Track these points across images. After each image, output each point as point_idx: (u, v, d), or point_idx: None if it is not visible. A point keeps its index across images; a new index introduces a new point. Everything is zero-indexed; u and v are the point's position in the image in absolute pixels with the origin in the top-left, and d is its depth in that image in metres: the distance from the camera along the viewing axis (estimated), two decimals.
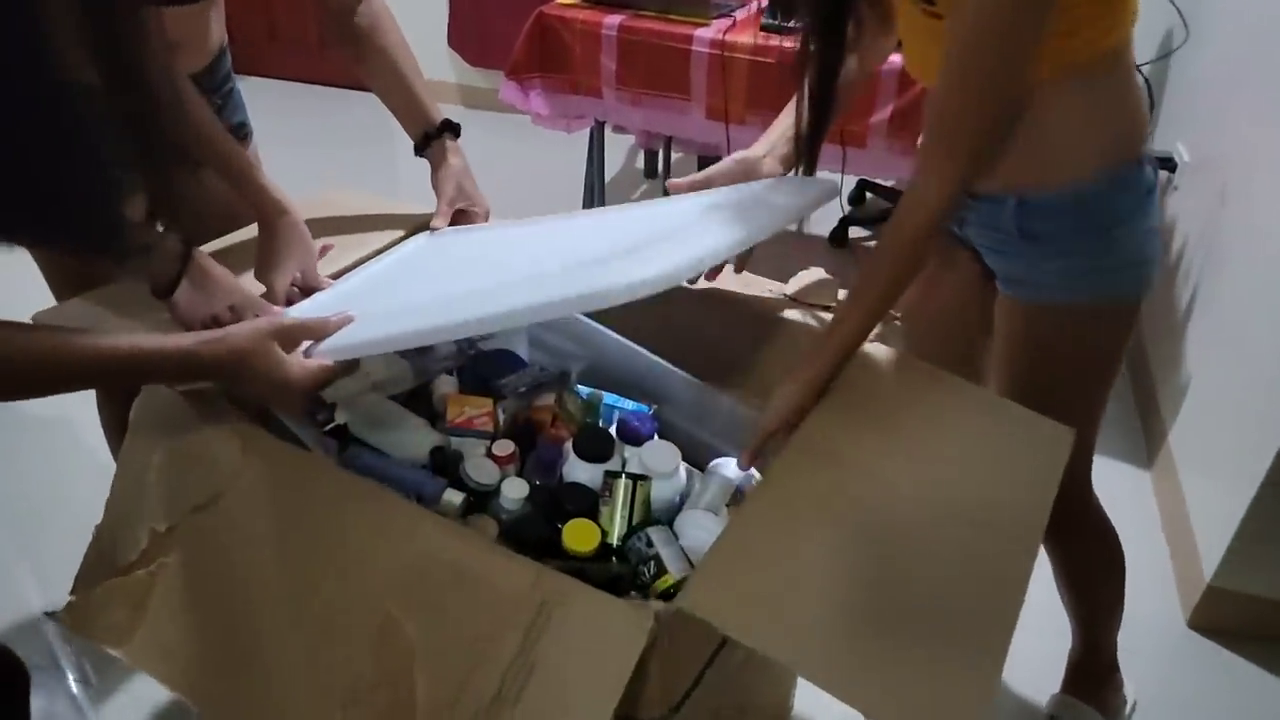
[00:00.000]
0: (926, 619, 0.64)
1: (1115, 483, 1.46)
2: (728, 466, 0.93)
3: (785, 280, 1.12)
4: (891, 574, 0.68)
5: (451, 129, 1.09)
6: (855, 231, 2.77)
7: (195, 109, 0.94)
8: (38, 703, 1.28)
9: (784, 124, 1.05)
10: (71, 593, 0.77)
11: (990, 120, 0.77)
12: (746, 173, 1.02)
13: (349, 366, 0.79)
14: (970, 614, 0.64)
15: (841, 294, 1.09)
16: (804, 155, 1.03)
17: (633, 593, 0.82)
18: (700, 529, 0.86)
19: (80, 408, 1.21)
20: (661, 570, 0.80)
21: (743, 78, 1.92)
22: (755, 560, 0.67)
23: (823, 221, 2.75)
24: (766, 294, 1.07)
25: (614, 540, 0.85)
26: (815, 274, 1.14)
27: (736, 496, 0.89)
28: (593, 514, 0.87)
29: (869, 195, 2.94)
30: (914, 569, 0.68)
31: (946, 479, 0.77)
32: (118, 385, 0.71)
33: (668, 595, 0.79)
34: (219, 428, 0.75)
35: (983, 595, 0.66)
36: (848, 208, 2.83)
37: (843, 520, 0.72)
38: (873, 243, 2.76)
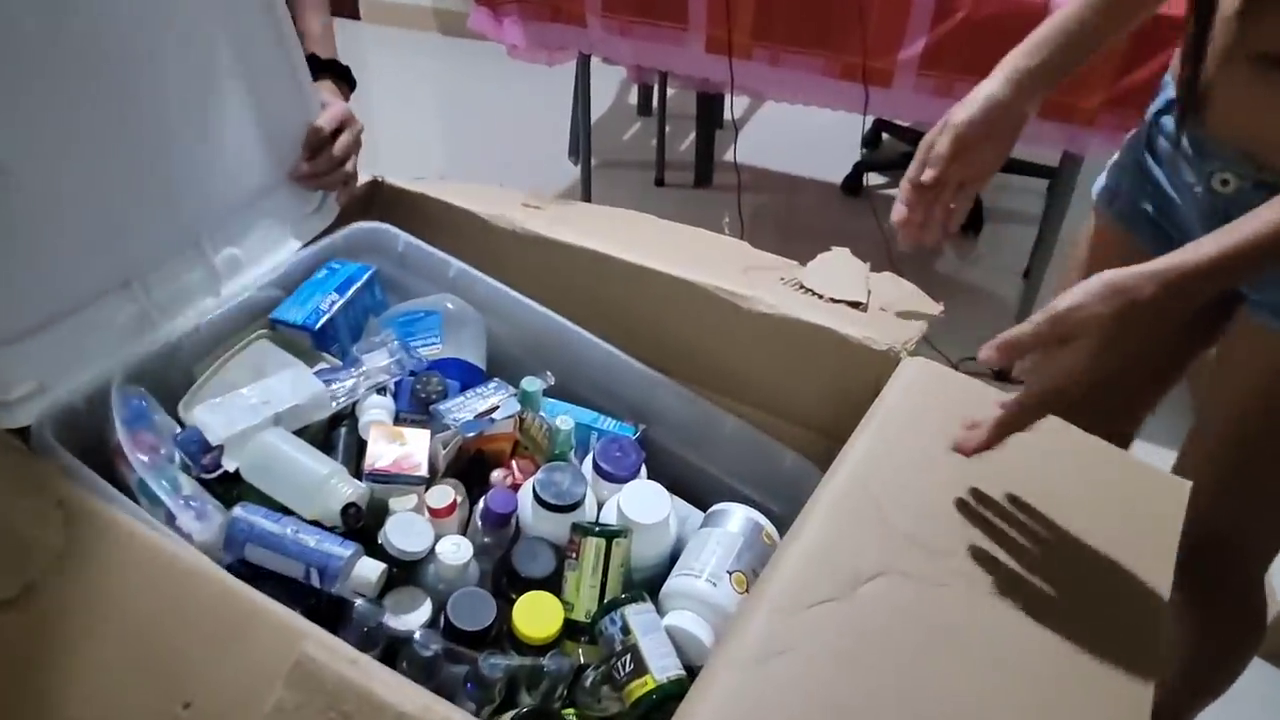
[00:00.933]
0: None
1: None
2: (731, 516, 0.74)
3: (793, 250, 0.91)
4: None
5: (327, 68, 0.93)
6: (872, 178, 2.54)
7: None
8: None
9: (1028, 53, 0.80)
10: None
11: None
12: (1004, 119, 0.79)
13: None
14: None
15: (876, 280, 0.89)
16: (1187, 99, 0.77)
17: (605, 688, 0.65)
18: (690, 604, 0.68)
19: None
20: (640, 669, 0.62)
21: (749, 3, 1.68)
22: (770, 698, 0.49)
23: (834, 167, 2.51)
24: (779, 284, 0.87)
25: (580, 616, 0.68)
26: (838, 257, 0.93)
27: (742, 558, 0.71)
28: (556, 581, 0.70)
29: (885, 137, 2.69)
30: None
31: (1046, 564, 0.60)
32: None
33: (648, 704, 0.61)
34: (36, 494, 0.57)
35: None
36: (863, 151, 2.59)
37: (899, 631, 0.54)
38: (893, 191, 2.53)
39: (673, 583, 0.70)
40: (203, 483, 0.68)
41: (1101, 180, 0.95)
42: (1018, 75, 0.80)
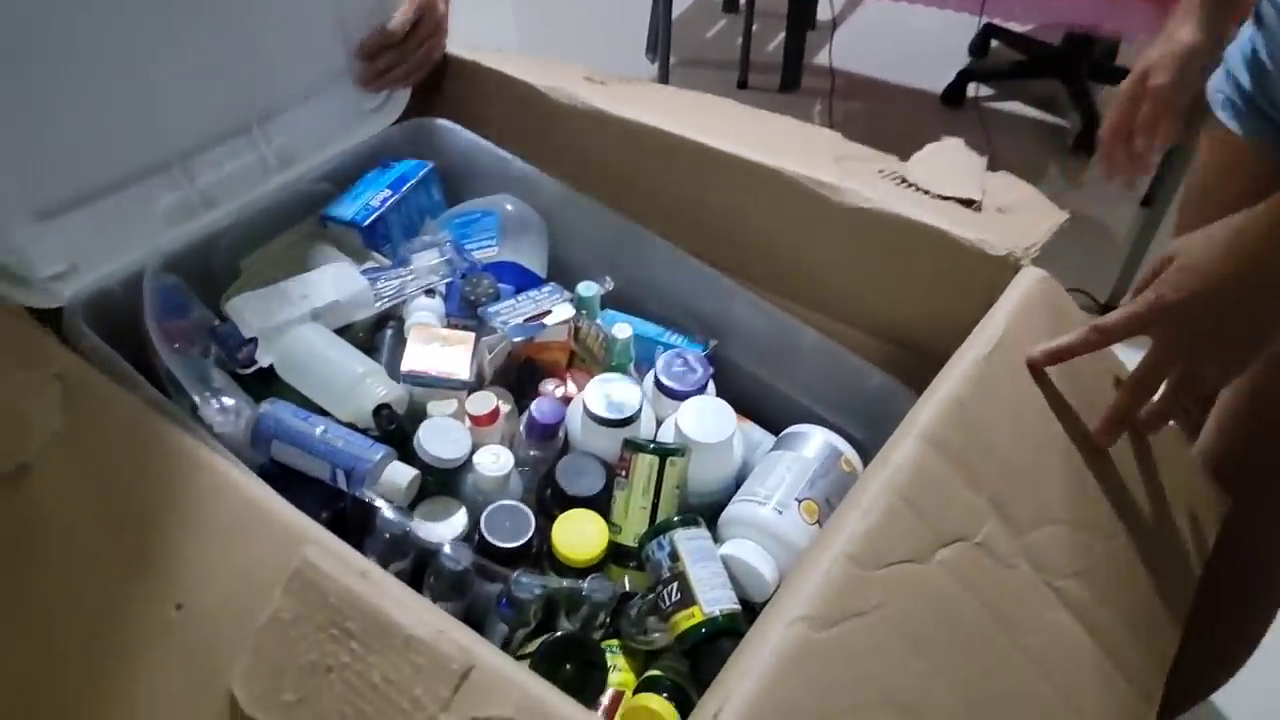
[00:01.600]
0: None
1: None
2: (807, 439, 0.66)
3: (890, 147, 0.80)
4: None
5: None
6: (976, 89, 2.28)
7: None
8: None
9: None
10: None
11: None
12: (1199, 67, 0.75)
13: None
14: None
15: (990, 180, 0.77)
16: None
17: (651, 618, 0.59)
18: (751, 533, 0.61)
19: None
20: (687, 599, 0.56)
21: None
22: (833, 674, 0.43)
23: (936, 73, 2.29)
24: (877, 176, 0.76)
25: (628, 540, 0.62)
26: (948, 148, 0.81)
27: (815, 484, 0.63)
28: (605, 501, 0.64)
29: (994, 44, 2.43)
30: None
31: (1100, 563, 0.56)
32: None
33: (695, 637, 0.55)
34: (35, 367, 0.54)
35: None
36: (969, 59, 2.35)
37: (963, 616, 0.49)
38: (1002, 103, 2.29)
39: (733, 508, 0.63)
40: (237, 378, 0.65)
41: (1216, 76, 0.80)
42: (1216, 19, 0.73)
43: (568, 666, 0.56)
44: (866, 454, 0.70)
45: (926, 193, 0.74)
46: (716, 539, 0.62)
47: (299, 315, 0.66)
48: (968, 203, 0.73)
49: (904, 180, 0.75)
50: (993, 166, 0.79)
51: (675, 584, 0.57)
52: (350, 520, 0.60)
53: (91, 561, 0.49)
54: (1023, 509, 0.55)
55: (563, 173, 0.82)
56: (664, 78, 2.11)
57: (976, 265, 0.68)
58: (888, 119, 2.22)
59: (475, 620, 0.61)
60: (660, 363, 0.72)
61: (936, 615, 0.49)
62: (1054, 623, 0.52)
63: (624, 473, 0.63)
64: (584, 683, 0.56)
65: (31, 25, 0.57)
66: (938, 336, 0.70)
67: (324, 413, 0.64)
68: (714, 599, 0.56)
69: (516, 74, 0.84)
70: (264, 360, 0.65)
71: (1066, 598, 0.53)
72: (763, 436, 0.74)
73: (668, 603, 0.57)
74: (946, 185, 0.74)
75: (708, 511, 0.65)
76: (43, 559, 0.51)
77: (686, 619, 0.55)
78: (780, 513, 0.61)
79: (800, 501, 0.62)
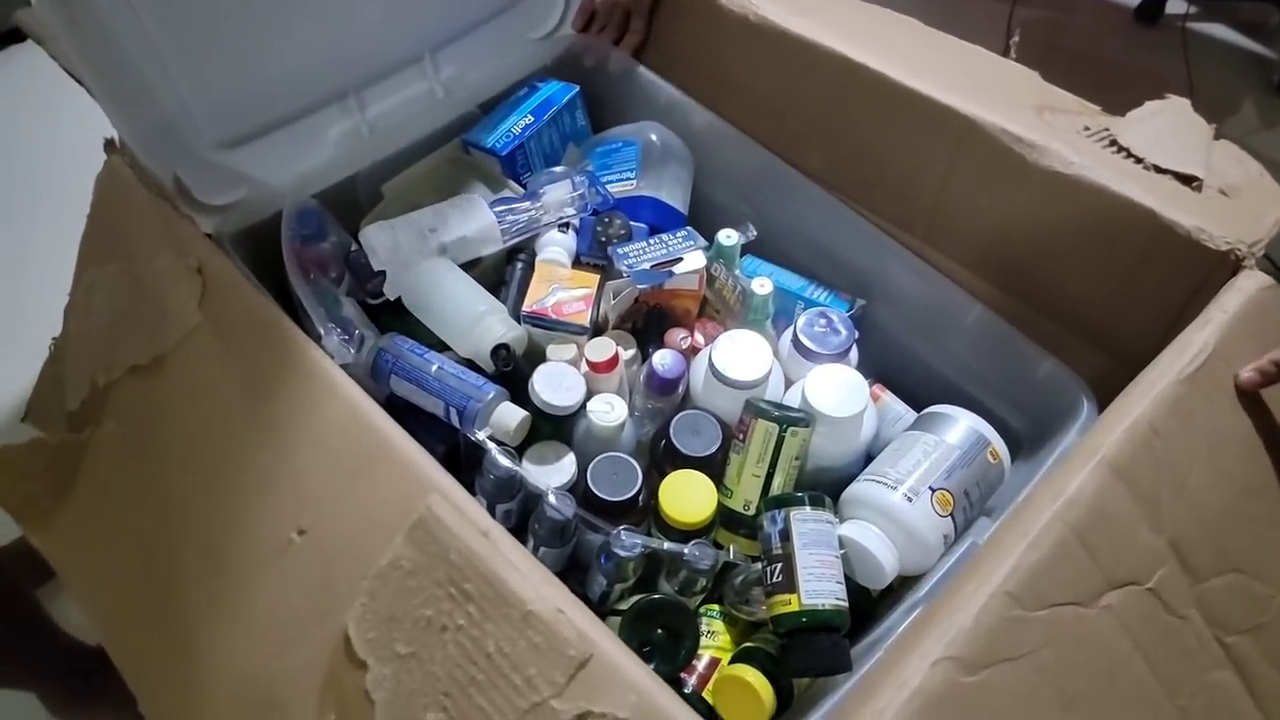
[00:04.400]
0: None
1: None
2: (951, 423, 0.63)
3: (1067, 66, 0.72)
4: None
5: None
6: (1176, 6, 1.99)
7: None
8: None
9: None
10: (24, 418, 0.67)
11: None
12: None
13: None
14: None
15: (1217, 151, 0.68)
16: None
17: (756, 590, 0.60)
18: (876, 518, 0.60)
19: None
20: (789, 584, 0.56)
21: None
22: None
23: None
24: (1082, 135, 0.69)
25: (737, 505, 0.63)
26: (1171, 110, 0.72)
27: (953, 474, 0.60)
28: (718, 461, 0.64)
29: None
30: None
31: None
32: None
33: (792, 624, 0.55)
34: (181, 256, 0.59)
35: None
36: None
37: (1121, 672, 0.47)
38: (1202, 25, 1.99)
39: (859, 487, 0.62)
40: (367, 308, 0.70)
41: None
42: None
43: (658, 631, 0.58)
44: (1021, 445, 0.67)
45: (1139, 161, 0.66)
46: (837, 515, 0.61)
47: (426, 249, 0.70)
48: (1187, 179, 0.65)
49: (1114, 143, 0.67)
50: (1192, 105, 0.71)
51: (780, 565, 0.57)
52: (464, 457, 0.65)
53: (219, 467, 0.54)
54: (1204, 554, 0.51)
55: (720, 93, 0.80)
56: None
57: (1188, 257, 0.61)
58: (1069, 32, 2.00)
59: (583, 565, 0.65)
60: (801, 321, 0.70)
61: (1093, 667, 0.46)
62: (1217, 684, 0.49)
63: (741, 436, 0.63)
64: (674, 649, 0.58)
65: None
66: (1127, 332, 0.65)
67: (447, 348, 0.68)
68: (817, 591, 0.55)
69: None
70: (391, 294, 0.70)
71: (1234, 655, 0.49)
72: (904, 411, 0.71)
73: (769, 581, 0.57)
74: (1164, 155, 0.66)
75: (831, 486, 0.64)
76: (169, 455, 0.56)
77: (783, 604, 0.55)
78: (910, 500, 0.59)
79: (935, 491, 0.60)
